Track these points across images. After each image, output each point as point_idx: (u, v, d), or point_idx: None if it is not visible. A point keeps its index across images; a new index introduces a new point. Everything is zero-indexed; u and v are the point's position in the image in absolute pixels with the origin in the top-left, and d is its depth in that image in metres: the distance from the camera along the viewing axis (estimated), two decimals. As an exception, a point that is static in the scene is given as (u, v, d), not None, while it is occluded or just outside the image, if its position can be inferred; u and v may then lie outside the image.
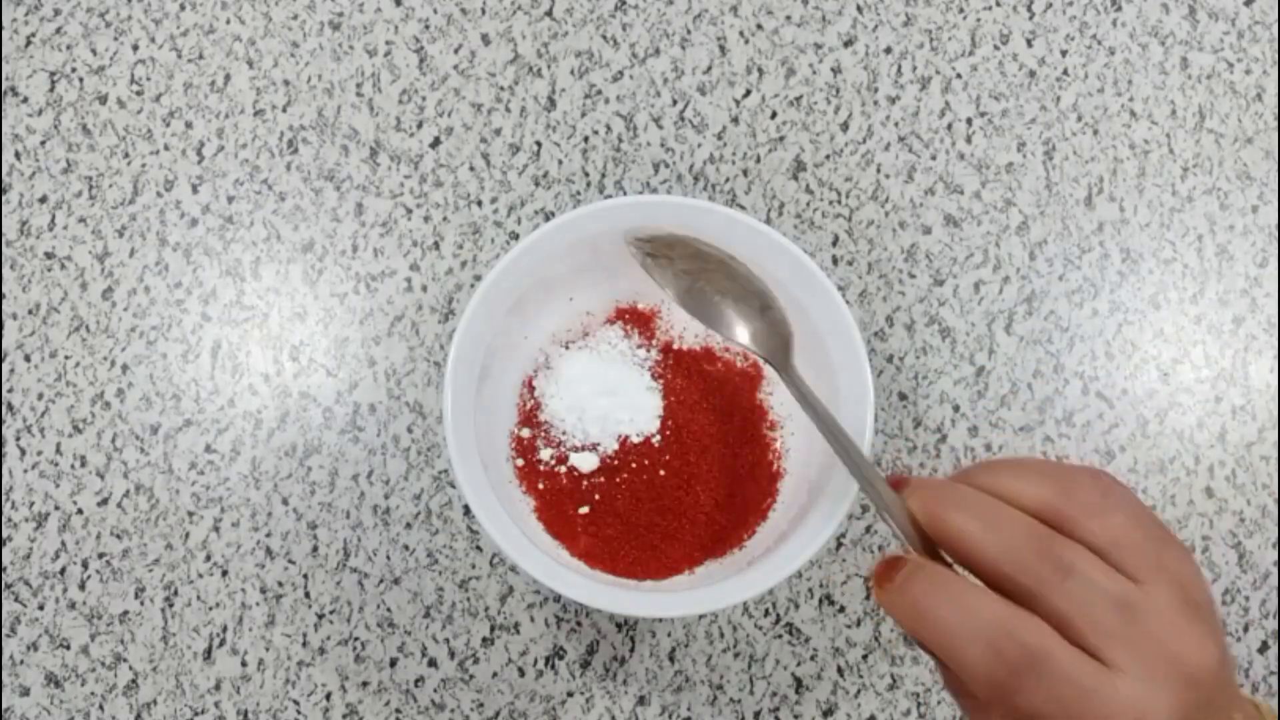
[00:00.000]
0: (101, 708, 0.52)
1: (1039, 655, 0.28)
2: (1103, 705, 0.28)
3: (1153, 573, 0.30)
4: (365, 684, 0.53)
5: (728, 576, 0.46)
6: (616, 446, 0.52)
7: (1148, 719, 0.28)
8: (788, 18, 0.62)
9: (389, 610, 0.54)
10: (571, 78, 0.61)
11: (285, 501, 0.55)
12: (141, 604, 0.53)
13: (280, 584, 0.54)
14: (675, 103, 0.61)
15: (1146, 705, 0.28)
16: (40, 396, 0.56)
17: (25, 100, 0.60)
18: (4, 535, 0.54)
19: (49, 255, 0.58)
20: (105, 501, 0.55)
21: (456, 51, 0.61)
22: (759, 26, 0.62)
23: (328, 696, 0.53)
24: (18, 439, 0.55)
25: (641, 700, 0.53)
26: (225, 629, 0.53)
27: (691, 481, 0.52)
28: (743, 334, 0.42)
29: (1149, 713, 0.28)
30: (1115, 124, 0.61)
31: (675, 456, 0.52)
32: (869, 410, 0.47)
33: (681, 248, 0.44)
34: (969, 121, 0.61)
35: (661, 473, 0.52)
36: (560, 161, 0.60)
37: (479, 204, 0.59)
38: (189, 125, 0.60)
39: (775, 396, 0.53)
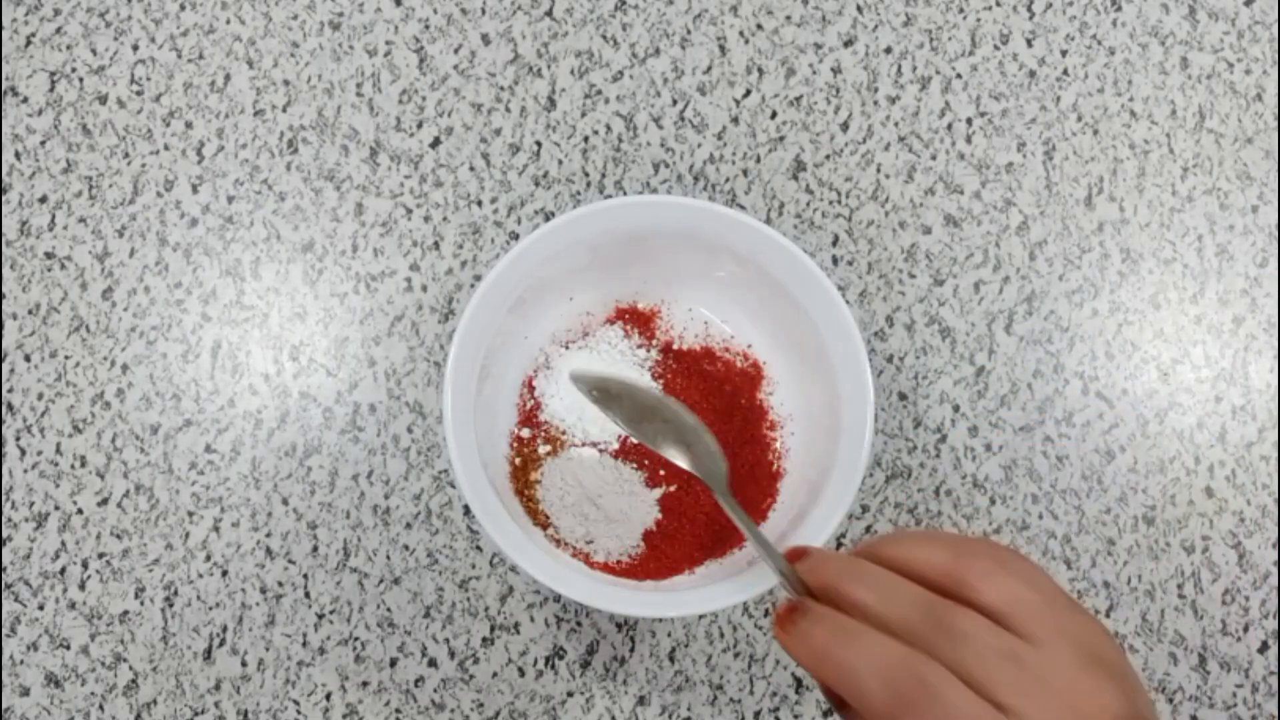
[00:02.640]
0: (101, 708, 0.52)
1: (934, 690, 0.29)
2: None
3: (1050, 633, 0.30)
4: (365, 684, 0.53)
5: (728, 576, 0.46)
6: (616, 446, 0.52)
7: None
8: (788, 18, 0.62)
9: (389, 610, 0.54)
10: (571, 78, 0.61)
11: (285, 501, 0.55)
12: (141, 604, 0.53)
13: (280, 584, 0.54)
14: (675, 103, 0.61)
15: None
16: (40, 396, 0.56)
17: (25, 100, 0.60)
18: (4, 535, 0.54)
19: (49, 255, 0.58)
20: (105, 501, 0.55)
21: (456, 51, 0.61)
22: (759, 26, 0.62)
23: (328, 696, 0.53)
24: (18, 439, 0.55)
25: (641, 700, 0.53)
26: (225, 629, 0.53)
27: (692, 481, 0.52)
28: (683, 461, 0.47)
29: None
30: (1115, 124, 0.61)
31: (675, 456, 0.52)
32: (869, 410, 0.47)
33: (623, 392, 0.50)
34: (969, 121, 0.61)
35: (661, 472, 0.52)
36: (560, 161, 0.60)
37: (479, 204, 0.59)
38: (189, 125, 0.60)
39: (775, 397, 0.53)
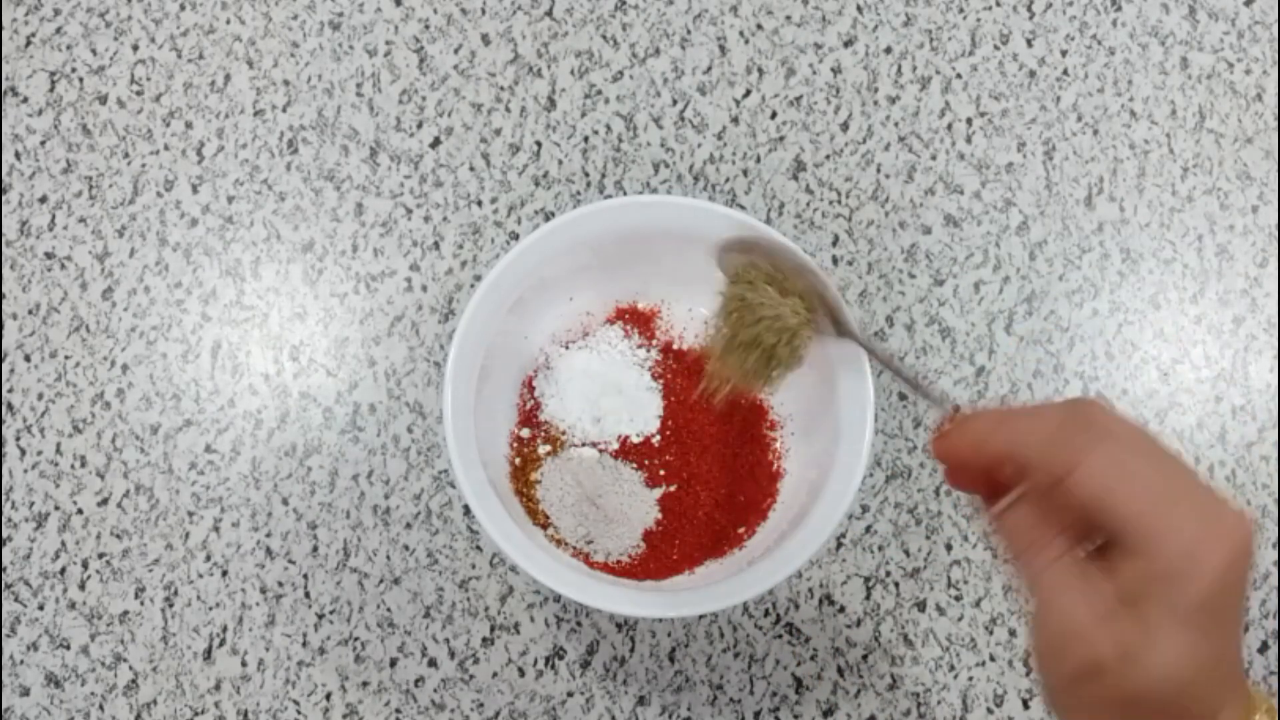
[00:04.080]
0: (101, 708, 0.52)
1: (1102, 419, 0.32)
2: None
3: None
4: (365, 684, 0.53)
5: (728, 576, 0.46)
6: (616, 446, 0.52)
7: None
8: (788, 18, 0.62)
9: (389, 610, 0.54)
10: (571, 78, 0.61)
11: (285, 501, 0.55)
12: (141, 604, 0.53)
13: (280, 584, 0.54)
14: (675, 103, 0.61)
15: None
16: (40, 396, 0.56)
17: (25, 100, 0.60)
18: (4, 535, 0.54)
19: (49, 255, 0.58)
20: (105, 501, 0.55)
21: (456, 51, 0.61)
22: (759, 26, 0.62)
23: (328, 696, 0.53)
24: (18, 439, 0.55)
25: (641, 700, 0.53)
26: (225, 629, 0.53)
27: (691, 481, 0.52)
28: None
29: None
30: (1115, 124, 0.61)
31: (675, 456, 0.52)
32: (869, 410, 0.47)
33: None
34: (969, 121, 0.61)
35: (662, 472, 0.52)
36: (560, 161, 0.60)
37: (479, 204, 0.59)
38: (189, 125, 0.60)
39: (775, 397, 0.53)
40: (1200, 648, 0.30)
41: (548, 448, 0.52)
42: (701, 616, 0.54)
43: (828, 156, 0.60)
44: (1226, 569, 0.30)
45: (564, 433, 0.52)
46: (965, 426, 0.35)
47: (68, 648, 0.53)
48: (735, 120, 0.61)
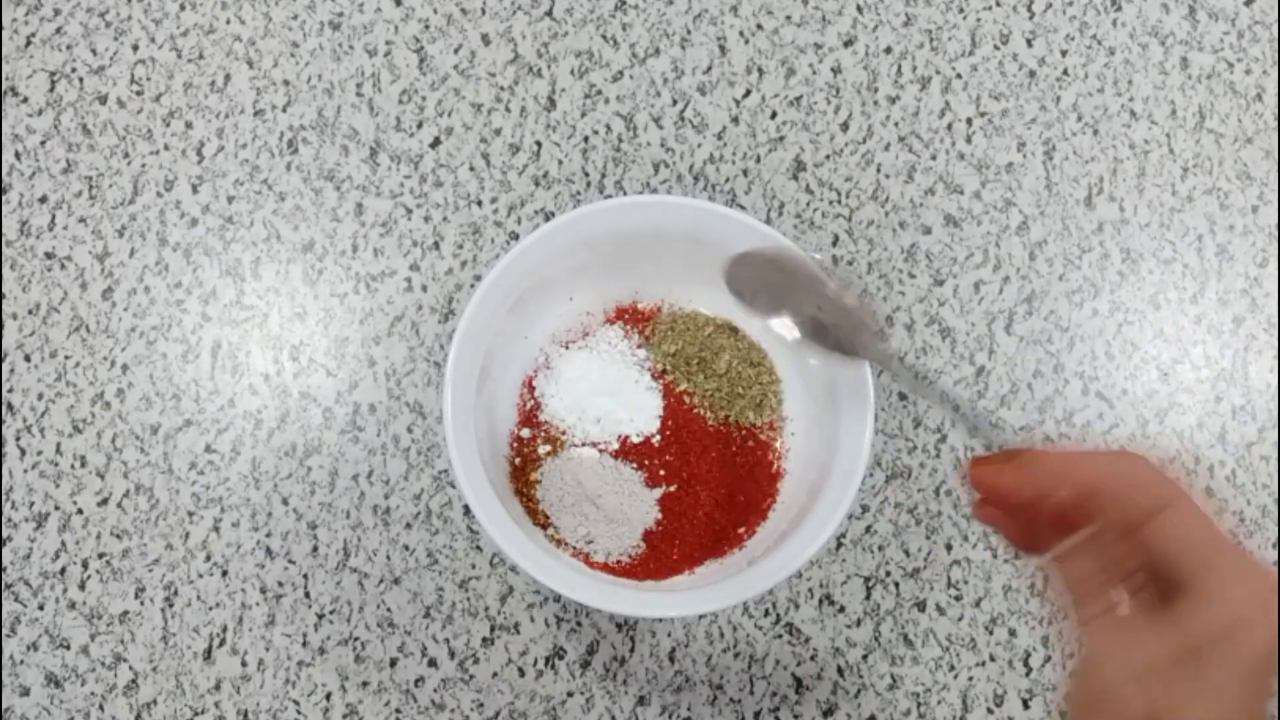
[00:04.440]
0: (101, 708, 0.52)
1: (1167, 478, 0.32)
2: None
3: None
4: (365, 684, 0.53)
5: (728, 576, 0.46)
6: (616, 446, 0.52)
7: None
8: (788, 18, 0.62)
9: (389, 610, 0.54)
10: (571, 78, 0.61)
11: (285, 501, 0.55)
12: (141, 604, 0.53)
13: (280, 584, 0.54)
14: (675, 103, 0.61)
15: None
16: (40, 396, 0.56)
17: (25, 100, 0.60)
18: (4, 535, 0.54)
19: (49, 255, 0.58)
20: (105, 501, 0.55)
21: (456, 51, 0.61)
22: (759, 26, 0.62)
23: (328, 696, 0.53)
24: (18, 439, 0.55)
25: (641, 700, 0.53)
26: (225, 629, 0.53)
27: (691, 481, 0.52)
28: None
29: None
30: (1115, 124, 0.61)
31: (675, 456, 0.52)
32: (869, 410, 0.47)
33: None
34: (969, 121, 0.61)
35: (662, 472, 0.52)
36: (560, 161, 0.60)
37: (479, 204, 0.59)
38: (189, 125, 0.60)
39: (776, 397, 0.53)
40: (1244, 706, 0.30)
41: (548, 448, 0.52)
42: (701, 616, 0.54)
43: (828, 156, 0.60)
44: None
45: (564, 433, 0.52)
46: (1034, 461, 0.35)
47: (68, 648, 0.53)
48: (735, 120, 0.61)
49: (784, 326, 0.45)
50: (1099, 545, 0.32)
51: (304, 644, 0.53)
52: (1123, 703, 0.30)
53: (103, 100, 0.60)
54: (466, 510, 0.55)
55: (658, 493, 0.51)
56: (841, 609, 0.54)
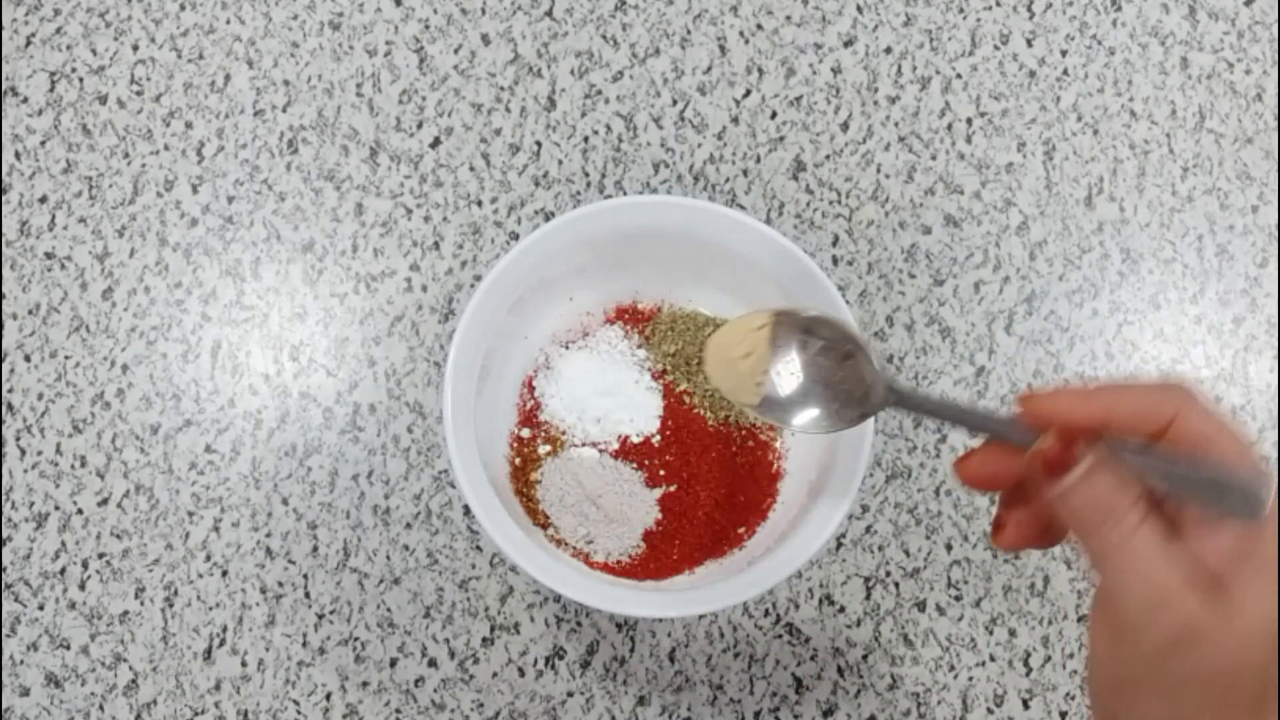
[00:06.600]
0: (101, 708, 0.52)
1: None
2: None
3: None
4: (365, 684, 0.53)
5: (728, 576, 0.46)
6: (616, 446, 0.52)
7: None
8: (788, 18, 0.62)
9: (389, 610, 0.54)
10: (571, 78, 0.61)
11: (285, 501, 0.55)
12: (141, 604, 0.53)
13: (280, 584, 0.54)
14: (675, 103, 0.61)
15: None
16: (40, 396, 0.56)
17: (25, 100, 0.60)
18: (4, 535, 0.54)
19: (49, 255, 0.58)
20: (105, 501, 0.55)
21: (456, 51, 0.61)
22: (759, 26, 0.62)
23: (328, 696, 0.53)
24: (18, 439, 0.55)
25: (641, 700, 0.53)
26: (225, 629, 0.53)
27: (691, 481, 0.52)
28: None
29: None
30: (1115, 124, 0.61)
31: (675, 456, 0.52)
32: (869, 410, 0.47)
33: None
34: (969, 121, 0.61)
35: (662, 472, 0.52)
36: (560, 161, 0.60)
37: (479, 204, 0.59)
38: (189, 125, 0.60)
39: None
40: (1274, 624, 0.29)
41: (548, 448, 0.52)
42: (701, 616, 0.54)
43: (828, 156, 0.60)
44: None
45: (564, 433, 0.52)
46: (1054, 395, 0.34)
47: (68, 648, 0.53)
48: (735, 120, 0.61)
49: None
50: (1106, 470, 0.31)
51: (304, 644, 0.53)
52: (1180, 607, 0.29)
53: (103, 100, 0.60)
54: (466, 510, 0.55)
55: (658, 493, 0.51)
56: (841, 609, 0.54)
